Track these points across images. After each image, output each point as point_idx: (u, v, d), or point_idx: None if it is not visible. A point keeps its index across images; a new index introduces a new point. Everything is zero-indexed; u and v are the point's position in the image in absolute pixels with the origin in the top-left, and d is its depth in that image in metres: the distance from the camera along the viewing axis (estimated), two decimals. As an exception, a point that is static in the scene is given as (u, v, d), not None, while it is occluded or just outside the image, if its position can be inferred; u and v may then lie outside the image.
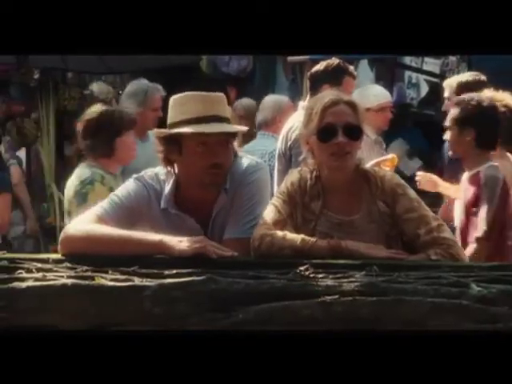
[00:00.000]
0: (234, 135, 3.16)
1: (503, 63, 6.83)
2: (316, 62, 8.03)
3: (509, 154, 4.63)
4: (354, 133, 3.07)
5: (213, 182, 3.09)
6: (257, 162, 3.24)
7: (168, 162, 3.18)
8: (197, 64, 9.66)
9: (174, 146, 3.13)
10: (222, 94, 3.21)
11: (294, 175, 3.18)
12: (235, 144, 3.21)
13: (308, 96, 5.26)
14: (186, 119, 3.09)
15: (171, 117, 3.16)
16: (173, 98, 3.19)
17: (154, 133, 3.27)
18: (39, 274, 2.68)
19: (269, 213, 3.08)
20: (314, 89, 5.10)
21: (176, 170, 3.18)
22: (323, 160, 3.10)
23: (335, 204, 3.13)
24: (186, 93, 3.17)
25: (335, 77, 5.19)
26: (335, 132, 3.04)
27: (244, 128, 3.29)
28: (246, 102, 6.79)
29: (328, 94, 3.18)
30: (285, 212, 3.09)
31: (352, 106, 3.10)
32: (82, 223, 3.05)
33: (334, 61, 5.29)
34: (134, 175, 3.26)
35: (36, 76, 8.90)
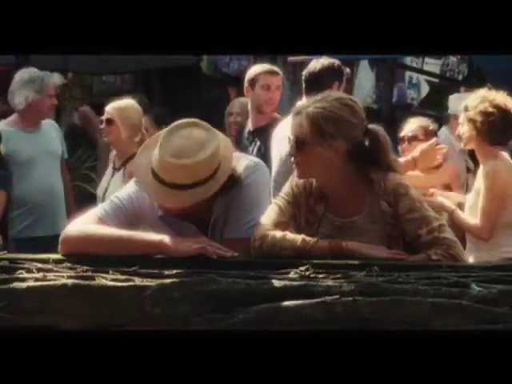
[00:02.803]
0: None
1: (504, 63, 6.84)
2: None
3: (503, 153, 4.68)
4: (299, 144, 3.07)
5: None
6: (255, 163, 3.23)
7: None
8: (197, 64, 9.68)
9: None
10: (209, 155, 2.97)
11: None
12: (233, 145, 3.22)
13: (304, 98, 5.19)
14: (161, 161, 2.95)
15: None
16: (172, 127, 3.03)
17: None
18: (40, 274, 2.68)
19: (271, 213, 3.08)
20: (316, 90, 5.03)
21: None
22: None
23: (337, 206, 3.12)
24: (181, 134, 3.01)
25: (339, 75, 5.15)
26: (290, 141, 3.10)
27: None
28: (243, 99, 6.80)
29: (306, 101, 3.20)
30: (288, 213, 3.09)
31: (306, 117, 3.05)
32: (83, 224, 3.04)
33: (334, 60, 5.22)
34: (135, 178, 3.25)
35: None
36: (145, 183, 3.03)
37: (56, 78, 6.26)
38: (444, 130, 6.45)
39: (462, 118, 4.67)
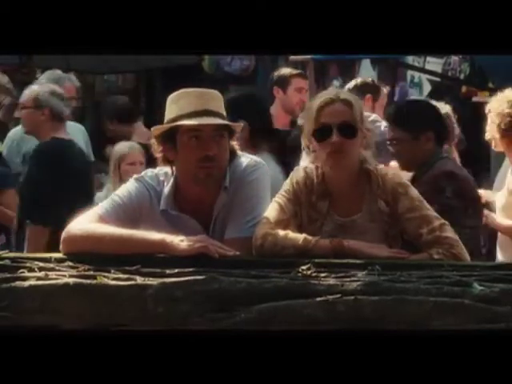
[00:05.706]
0: (229, 131, 3.15)
1: (505, 62, 6.83)
2: (318, 61, 8.06)
3: None
4: (349, 131, 3.07)
5: (207, 176, 3.08)
6: (256, 162, 3.23)
7: (167, 161, 3.18)
8: (199, 64, 9.67)
9: (170, 144, 3.13)
10: (216, 91, 3.21)
11: (299, 173, 3.17)
12: (235, 144, 3.22)
13: None
14: (179, 115, 3.10)
15: (167, 114, 3.16)
16: (169, 97, 3.19)
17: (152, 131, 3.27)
18: (41, 273, 2.68)
19: (272, 211, 3.07)
20: None
21: (174, 170, 3.18)
22: (323, 159, 3.11)
23: (339, 204, 3.12)
24: (181, 90, 3.18)
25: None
26: (330, 132, 3.05)
27: (236, 124, 3.26)
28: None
29: (326, 93, 3.18)
30: (289, 211, 3.08)
31: (348, 104, 3.09)
32: (84, 222, 3.05)
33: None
34: (135, 175, 3.26)
35: (38, 76, 8.90)
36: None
37: (75, 81, 6.11)
38: None
39: (488, 121, 4.69)
